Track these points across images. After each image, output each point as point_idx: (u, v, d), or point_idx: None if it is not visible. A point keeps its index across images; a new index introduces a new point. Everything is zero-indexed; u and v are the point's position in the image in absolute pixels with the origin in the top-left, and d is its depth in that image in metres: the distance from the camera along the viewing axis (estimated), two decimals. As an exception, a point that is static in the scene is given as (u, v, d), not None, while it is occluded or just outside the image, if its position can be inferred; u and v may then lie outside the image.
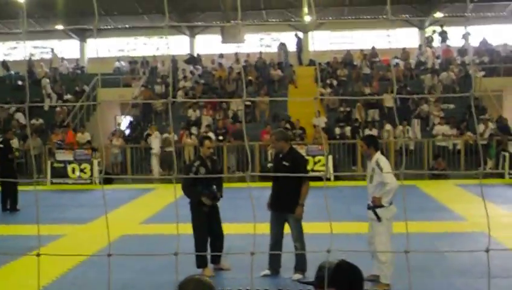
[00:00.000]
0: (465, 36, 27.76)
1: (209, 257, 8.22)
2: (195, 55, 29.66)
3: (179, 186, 8.16)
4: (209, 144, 8.38)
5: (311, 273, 7.32)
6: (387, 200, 7.21)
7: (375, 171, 7.30)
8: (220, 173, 8.63)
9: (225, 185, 8.66)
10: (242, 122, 21.22)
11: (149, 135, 20.76)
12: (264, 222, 8.34)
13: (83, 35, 32.65)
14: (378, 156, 7.47)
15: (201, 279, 2.64)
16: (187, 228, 8.58)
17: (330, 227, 2.56)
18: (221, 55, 28.19)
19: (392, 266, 7.23)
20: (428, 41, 28.25)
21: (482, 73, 24.55)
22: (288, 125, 20.46)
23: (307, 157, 17.43)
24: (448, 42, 27.67)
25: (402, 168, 2.50)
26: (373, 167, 7.39)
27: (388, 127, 20.57)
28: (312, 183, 7.90)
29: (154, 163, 20.05)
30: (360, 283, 2.63)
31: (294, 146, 9.73)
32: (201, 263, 8.09)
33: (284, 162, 7.83)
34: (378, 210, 7.27)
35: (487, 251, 1.77)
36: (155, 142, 20.14)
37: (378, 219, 7.28)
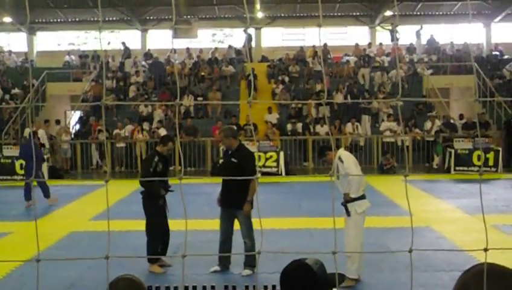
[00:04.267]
0: (418, 34, 28.28)
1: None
2: (147, 50, 29.42)
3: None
4: (171, 147, 8.43)
5: (260, 269, 7.43)
6: (353, 191, 7.30)
7: (339, 166, 7.36)
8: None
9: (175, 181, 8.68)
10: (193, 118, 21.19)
11: (100, 130, 20.53)
12: (215, 218, 8.40)
13: (31, 28, 31.96)
14: (340, 152, 7.61)
15: (132, 278, 2.68)
16: (137, 225, 8.56)
17: (260, 224, 2.61)
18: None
19: (358, 261, 7.31)
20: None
21: (430, 71, 25.09)
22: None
23: (258, 154, 17.52)
24: (397, 40, 28.05)
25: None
26: (336, 162, 7.39)
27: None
28: (263, 179, 7.97)
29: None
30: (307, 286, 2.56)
31: (245, 142, 9.82)
32: (153, 258, 8.08)
33: (233, 159, 7.89)
34: (348, 205, 7.36)
35: (410, 251, 1.85)
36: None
37: (348, 213, 7.37)
